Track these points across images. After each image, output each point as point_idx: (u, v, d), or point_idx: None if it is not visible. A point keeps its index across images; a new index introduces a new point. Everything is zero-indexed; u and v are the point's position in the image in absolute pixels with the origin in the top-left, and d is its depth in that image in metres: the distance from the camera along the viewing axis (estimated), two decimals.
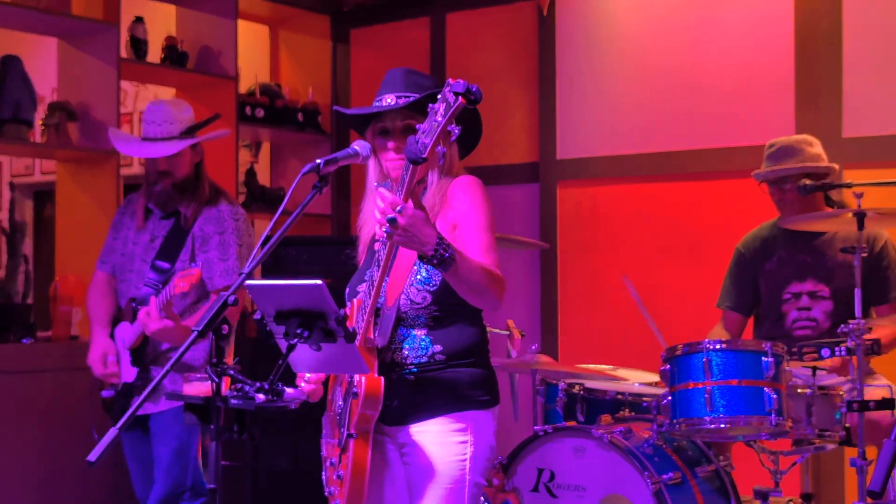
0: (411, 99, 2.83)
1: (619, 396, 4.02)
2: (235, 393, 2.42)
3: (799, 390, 3.68)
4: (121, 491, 4.92)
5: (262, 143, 6.50)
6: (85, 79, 5.29)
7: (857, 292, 3.74)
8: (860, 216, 3.75)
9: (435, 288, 2.76)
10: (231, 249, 3.95)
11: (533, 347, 4.17)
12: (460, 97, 2.41)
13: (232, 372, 2.41)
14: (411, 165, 2.50)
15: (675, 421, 3.64)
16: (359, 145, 2.83)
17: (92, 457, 2.22)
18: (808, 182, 4.09)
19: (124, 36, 5.43)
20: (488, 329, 4.20)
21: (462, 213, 2.81)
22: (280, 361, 2.49)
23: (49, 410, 4.74)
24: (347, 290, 2.96)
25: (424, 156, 2.44)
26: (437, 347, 2.80)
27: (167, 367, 2.36)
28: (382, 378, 2.74)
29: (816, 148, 4.26)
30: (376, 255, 2.77)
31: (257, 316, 2.51)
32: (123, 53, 5.40)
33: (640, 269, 5.30)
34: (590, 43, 5.49)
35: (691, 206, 5.20)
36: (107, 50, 5.25)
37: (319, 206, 6.09)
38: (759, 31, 5.02)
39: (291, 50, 6.47)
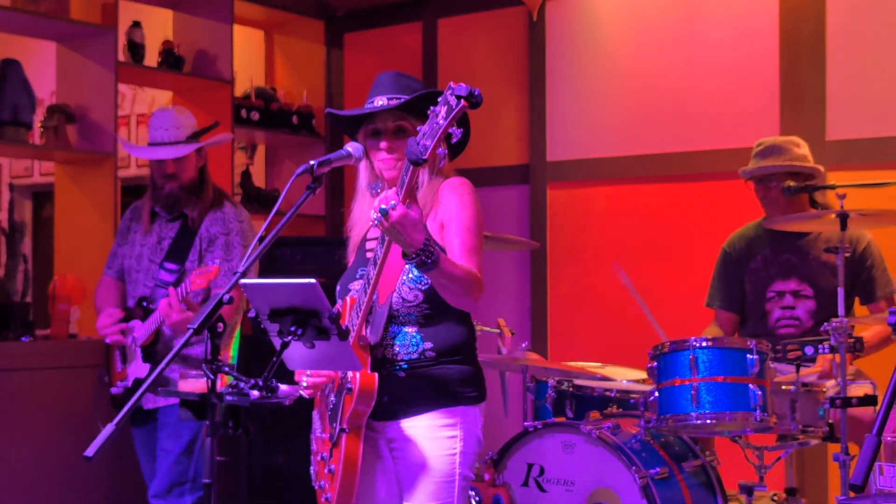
0: (402, 100, 2.83)
1: (608, 393, 4.03)
2: (231, 389, 2.42)
3: (783, 387, 3.69)
4: (120, 487, 4.92)
5: (258, 145, 6.50)
6: (83, 82, 5.28)
7: (840, 291, 3.75)
8: (843, 217, 3.75)
9: (427, 287, 2.77)
10: (235, 250, 4.00)
11: (523, 345, 4.18)
12: (463, 100, 2.41)
13: (227, 369, 2.40)
14: (411, 166, 2.51)
15: (662, 417, 3.65)
16: (352, 147, 2.83)
17: (89, 452, 2.21)
18: (792, 183, 4.11)
19: (122, 40, 5.42)
20: (480, 327, 4.24)
21: (450, 213, 2.81)
22: (274, 359, 2.49)
23: (48, 407, 4.73)
24: (339, 287, 2.97)
25: (425, 157, 2.45)
26: (428, 345, 2.81)
27: (162, 364, 2.36)
28: (376, 374, 2.75)
29: (803, 149, 4.28)
30: (373, 254, 2.76)
31: (252, 314, 2.51)
32: (121, 57, 5.39)
33: (628, 268, 5.26)
34: (578, 47, 5.49)
35: (678, 206, 5.21)
36: (105, 54, 5.24)
37: (313, 207, 6.09)
38: (744, 36, 5.02)
39: (286, 54, 6.46)
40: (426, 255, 2.55)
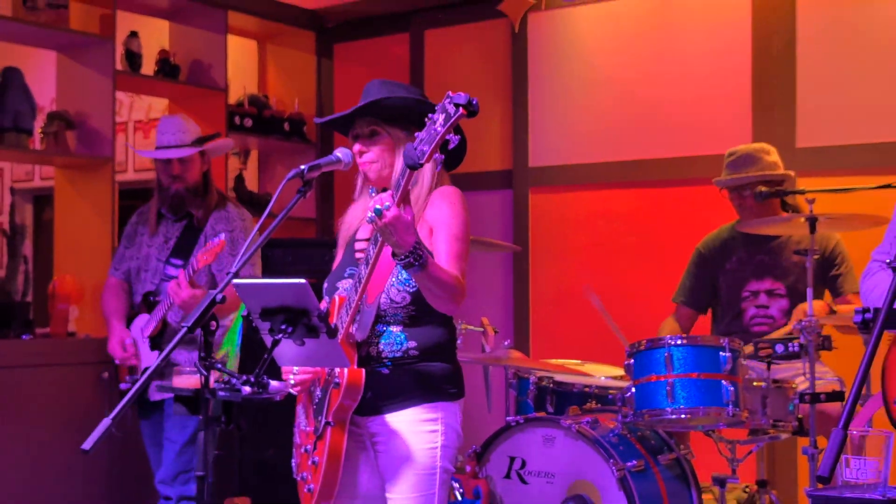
0: (368, 100, 2.84)
1: (587, 389, 4.03)
2: (223, 385, 2.41)
3: (755, 383, 3.69)
4: (119, 478, 4.91)
5: (251, 150, 6.49)
6: (82, 90, 5.27)
7: (809, 292, 3.77)
8: (812, 221, 3.78)
9: (414, 289, 2.76)
10: (240, 246, 4.08)
11: (506, 343, 4.17)
12: (461, 108, 2.41)
13: (219, 365, 2.40)
14: (408, 170, 2.51)
15: (638, 412, 3.65)
16: (341, 152, 2.83)
17: (86, 445, 2.20)
18: (764, 189, 4.13)
19: (120, 49, 5.42)
20: (464, 326, 4.25)
21: (440, 220, 2.81)
22: (265, 356, 2.49)
23: (47, 402, 4.71)
24: (326, 284, 2.96)
25: (422, 162, 2.44)
26: (412, 343, 2.81)
27: (158, 360, 2.35)
28: (363, 370, 2.75)
29: (773, 156, 4.29)
30: (364, 254, 2.76)
31: (245, 312, 2.51)
32: (119, 66, 5.38)
33: (606, 269, 5.31)
34: (559, 58, 5.50)
35: (654, 211, 5.22)
36: (103, 63, 5.23)
37: (304, 210, 6.09)
38: (718, 48, 5.03)
39: (278, 63, 6.45)
40: (415, 257, 2.55)
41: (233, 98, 5.97)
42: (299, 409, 2.95)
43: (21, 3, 5.25)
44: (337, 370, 2.72)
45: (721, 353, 3.57)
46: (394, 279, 2.79)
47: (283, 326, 2.46)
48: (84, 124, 5.25)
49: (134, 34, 5.58)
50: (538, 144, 5.57)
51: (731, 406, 3.54)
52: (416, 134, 2.50)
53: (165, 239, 4.23)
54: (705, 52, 5.07)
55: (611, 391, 3.96)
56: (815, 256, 3.80)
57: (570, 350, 4.84)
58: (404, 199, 2.56)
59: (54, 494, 4.70)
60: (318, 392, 2.82)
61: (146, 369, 3.98)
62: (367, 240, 2.80)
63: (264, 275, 4.30)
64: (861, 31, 4.66)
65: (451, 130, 2.44)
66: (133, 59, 5.55)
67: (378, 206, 2.49)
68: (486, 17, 5.64)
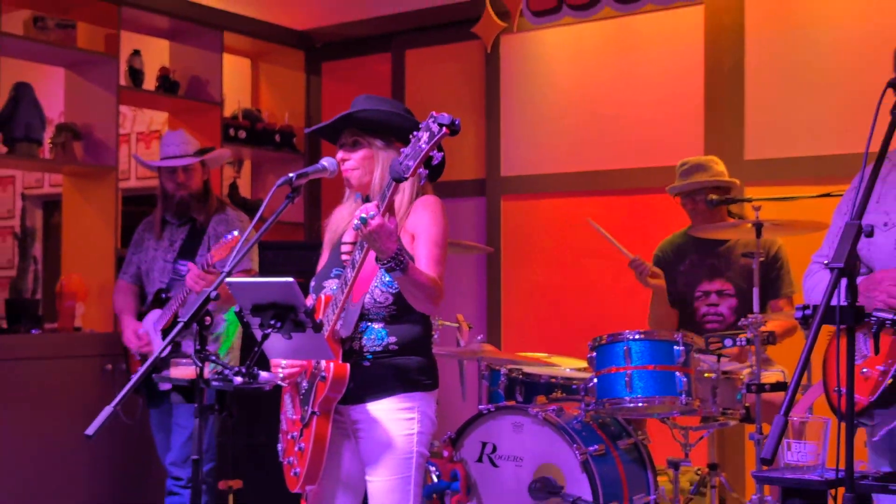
0: (347, 113, 2.85)
1: (553, 380, 4.04)
2: (217, 376, 2.40)
3: (706, 374, 3.71)
4: (123, 465, 4.88)
5: (244, 160, 6.46)
6: (88, 103, 5.23)
7: (756, 291, 3.79)
8: (758, 226, 3.80)
9: (396, 290, 2.77)
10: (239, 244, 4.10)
11: (479, 338, 4.18)
12: (445, 127, 2.42)
13: (213, 358, 2.39)
14: (394, 182, 2.52)
15: (600, 401, 3.66)
16: (326, 161, 2.83)
17: (90, 431, 2.19)
18: (714, 196, 4.16)
19: (123, 66, 5.38)
20: (441, 322, 4.25)
21: (421, 227, 2.82)
22: (256, 349, 2.48)
23: (54, 392, 4.68)
24: (313, 283, 2.96)
25: (407, 176, 2.47)
26: (392, 339, 2.81)
27: (157, 352, 2.35)
28: (348, 364, 2.74)
29: (721, 166, 4.33)
30: (350, 257, 2.76)
31: (237, 309, 2.50)
32: (122, 82, 5.34)
33: (571, 270, 5.32)
34: (529, 76, 5.50)
35: (616, 217, 5.22)
36: (108, 78, 5.20)
37: (293, 215, 6.07)
38: (673, 69, 5.05)
39: (270, 80, 6.43)
40: (396, 262, 2.56)
41: (228, 112, 5.94)
42: (286, 399, 2.95)
43: (32, 24, 5.23)
44: (323, 364, 2.72)
45: (675, 346, 3.59)
46: (377, 281, 2.79)
47: (273, 321, 2.45)
48: (90, 135, 5.21)
49: (137, 52, 5.54)
50: (509, 156, 5.58)
51: (684, 395, 3.55)
52: (401, 150, 2.51)
53: (171, 242, 4.29)
54: (662, 72, 5.08)
55: (575, 382, 3.97)
56: (761, 259, 3.83)
57: (539, 344, 4.84)
58: (389, 209, 2.57)
59: (61, 477, 4.68)
60: (305, 384, 2.81)
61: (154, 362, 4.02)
62: (353, 243, 2.81)
63: (256, 274, 4.30)
64: (804, 55, 4.68)
65: (435, 148, 2.45)
66: (136, 75, 5.51)
67: (363, 216, 2.50)
68: (462, 38, 5.63)
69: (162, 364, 3.74)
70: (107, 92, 5.19)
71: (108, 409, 2.21)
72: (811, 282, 2.58)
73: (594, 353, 3.70)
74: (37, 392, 4.64)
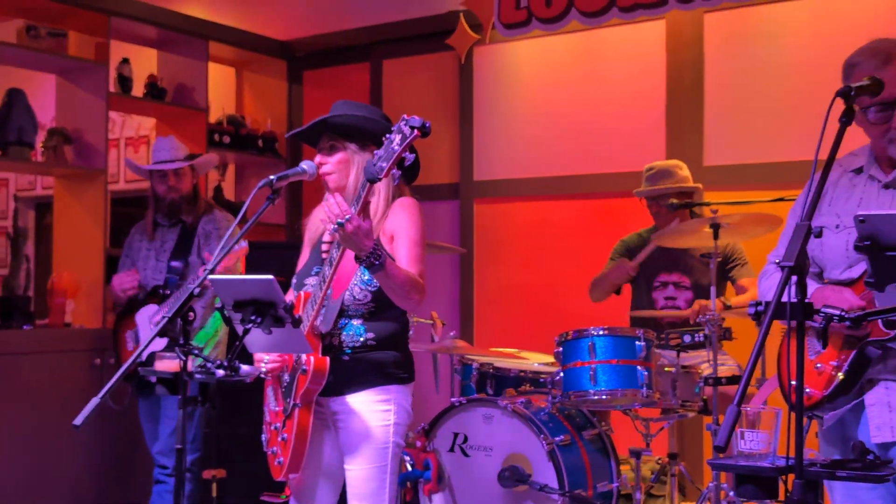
0: (325, 117, 2.84)
1: (522, 374, 4.03)
2: (199, 369, 2.39)
3: (666, 368, 3.72)
4: (112, 454, 4.85)
5: (228, 164, 6.43)
6: (79, 109, 5.20)
7: (713, 290, 3.81)
8: (716, 227, 3.83)
9: (375, 288, 2.76)
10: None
11: (452, 334, 4.17)
12: (416, 130, 2.42)
13: (196, 351, 2.37)
14: (368, 183, 2.51)
15: (566, 393, 3.66)
16: (306, 164, 2.82)
17: (77, 421, 2.17)
18: (675, 201, 4.18)
19: (112, 74, 5.35)
20: (415, 319, 4.24)
21: (399, 228, 2.81)
22: (237, 343, 2.47)
23: (45, 385, 4.65)
24: (294, 280, 2.95)
25: (381, 177, 2.46)
26: (370, 335, 2.80)
27: (143, 345, 2.33)
28: (328, 358, 2.73)
29: (685, 171, 4.35)
30: (328, 256, 2.75)
31: (218, 304, 2.48)
32: (112, 88, 5.31)
33: (540, 270, 5.33)
34: (501, 86, 5.51)
35: (582, 219, 5.25)
36: (98, 85, 5.17)
37: (275, 216, 6.05)
38: (637, 79, 5.07)
39: (254, 88, 6.41)
40: (374, 258, 2.56)
41: (213, 118, 5.92)
42: (269, 391, 2.93)
43: (25, 32, 5.19)
44: (304, 358, 2.71)
45: (637, 342, 3.60)
46: (357, 279, 2.78)
47: (253, 317, 2.44)
48: (80, 140, 5.18)
49: (126, 61, 5.51)
50: (482, 161, 5.58)
51: (645, 388, 3.56)
52: (374, 152, 2.50)
53: (162, 242, 4.30)
54: (626, 82, 5.10)
55: (542, 375, 3.97)
56: (718, 259, 3.85)
57: (509, 340, 4.84)
58: (364, 210, 2.56)
59: (52, 467, 4.64)
60: (287, 377, 2.80)
61: (151, 354, 3.98)
62: (332, 242, 2.79)
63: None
64: (759, 68, 4.71)
65: (407, 149, 2.45)
66: (125, 82, 5.48)
67: (340, 220, 2.49)
68: (437, 49, 5.64)
69: (152, 356, 3.74)
70: (97, 98, 5.16)
71: (95, 400, 2.20)
72: (768, 283, 2.59)
73: (560, 349, 3.71)
74: (28, 385, 4.60)
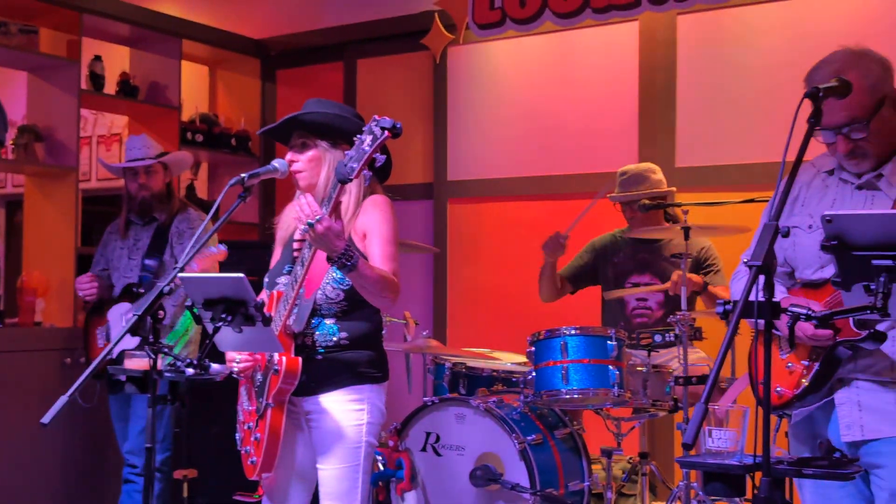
0: (294, 115, 2.84)
1: (494, 373, 4.04)
2: (169, 367, 2.38)
3: (637, 368, 3.74)
4: (81, 453, 4.81)
5: (201, 163, 6.40)
6: (50, 107, 5.16)
7: (683, 290, 3.83)
8: (686, 229, 3.85)
9: (348, 287, 2.75)
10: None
11: (425, 333, 4.17)
12: (387, 131, 2.42)
13: (166, 350, 2.36)
14: (339, 184, 2.51)
15: (538, 392, 3.67)
16: (277, 162, 2.82)
17: (45, 419, 2.15)
18: (647, 202, 4.20)
19: (84, 71, 5.31)
20: (388, 318, 4.24)
21: (372, 226, 2.81)
22: (207, 341, 2.46)
23: (15, 384, 4.61)
24: (266, 279, 2.94)
25: (352, 177, 2.47)
26: (343, 334, 2.80)
27: (111, 345, 2.31)
28: (300, 358, 2.73)
29: (658, 175, 4.37)
30: (300, 255, 2.74)
31: (188, 303, 2.47)
32: (84, 86, 5.27)
33: (513, 270, 5.34)
34: (475, 86, 5.52)
35: (555, 219, 5.23)
36: (69, 83, 5.13)
37: (247, 215, 6.02)
38: (610, 81, 5.09)
39: (227, 86, 6.38)
40: (346, 259, 2.55)
41: (186, 116, 5.89)
42: (242, 391, 2.92)
43: None
44: (276, 357, 2.70)
45: (608, 341, 3.61)
46: (329, 278, 2.78)
47: (223, 315, 2.43)
48: (52, 137, 5.14)
49: (98, 58, 5.47)
50: (456, 161, 5.58)
51: (616, 388, 3.58)
52: (346, 152, 2.50)
53: (135, 241, 4.29)
54: (599, 85, 5.12)
55: (515, 375, 3.98)
56: (689, 259, 3.88)
57: (482, 340, 4.85)
58: (335, 210, 2.56)
59: (21, 466, 4.60)
60: (259, 376, 2.79)
61: (122, 352, 3.95)
62: (303, 240, 2.79)
63: None
64: (731, 71, 4.74)
65: (378, 150, 2.45)
66: (97, 80, 5.45)
67: (310, 221, 2.49)
68: (412, 49, 5.63)
69: (122, 354, 3.72)
70: (68, 95, 5.12)
71: (63, 399, 2.18)
72: (739, 284, 2.61)
73: (533, 348, 3.72)
74: None
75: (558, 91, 5.25)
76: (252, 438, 2.79)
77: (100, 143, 6.75)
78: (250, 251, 4.97)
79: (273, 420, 2.73)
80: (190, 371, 2.37)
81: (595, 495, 3.87)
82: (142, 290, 4.15)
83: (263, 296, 2.84)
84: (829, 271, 2.37)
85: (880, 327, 2.24)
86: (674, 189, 4.40)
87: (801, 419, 2.45)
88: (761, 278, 1.86)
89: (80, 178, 5.17)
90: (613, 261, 4.41)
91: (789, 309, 2.01)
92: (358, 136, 2.47)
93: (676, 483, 3.86)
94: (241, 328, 2.46)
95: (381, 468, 3.81)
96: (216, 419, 4.52)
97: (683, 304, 3.79)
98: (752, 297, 1.85)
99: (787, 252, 2.49)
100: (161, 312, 2.36)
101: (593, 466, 3.90)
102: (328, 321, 2.79)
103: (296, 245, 2.89)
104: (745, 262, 1.91)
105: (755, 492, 1.87)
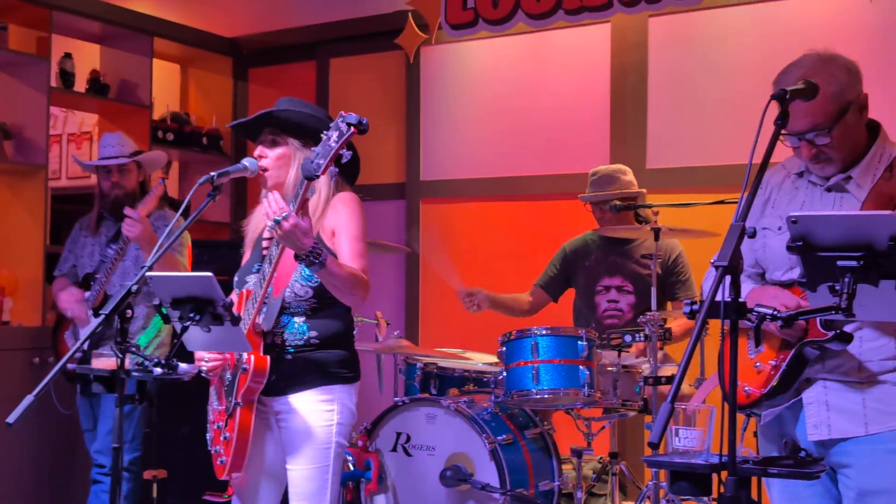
0: (266, 111, 2.83)
1: (465, 373, 4.04)
2: (137, 367, 2.36)
3: (607, 368, 3.75)
4: (49, 453, 4.77)
5: (172, 162, 6.36)
6: (20, 104, 5.11)
7: (653, 291, 3.85)
8: (656, 231, 3.87)
9: (316, 284, 2.75)
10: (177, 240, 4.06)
11: (396, 333, 4.17)
12: (353, 127, 2.42)
13: (134, 349, 2.35)
14: (305, 181, 2.50)
15: (508, 392, 3.68)
16: (248, 161, 2.81)
17: (10, 419, 2.13)
18: (618, 203, 4.22)
19: (54, 68, 5.27)
20: (360, 318, 4.23)
21: (340, 223, 2.80)
22: (175, 340, 2.44)
23: None
24: (236, 278, 2.93)
25: (318, 174, 2.45)
26: (313, 333, 2.79)
27: (78, 343, 2.29)
28: (269, 357, 2.72)
29: (629, 176, 4.38)
30: (268, 253, 2.74)
31: (156, 302, 2.46)
32: (53, 83, 5.23)
33: (486, 270, 5.34)
34: (448, 86, 5.52)
35: (527, 220, 5.27)
36: (39, 80, 5.08)
37: (219, 214, 6.00)
38: (582, 83, 5.11)
39: (199, 85, 6.35)
40: (314, 257, 2.54)
41: (157, 114, 5.85)
42: (212, 390, 2.91)
43: None
44: (245, 356, 2.69)
45: (579, 342, 3.62)
46: (297, 275, 2.77)
47: (191, 314, 2.42)
48: (20, 135, 5.09)
49: (68, 55, 5.43)
50: (428, 161, 5.59)
51: (587, 388, 3.59)
52: (312, 149, 2.49)
53: (107, 237, 4.23)
54: (571, 86, 5.14)
55: (486, 375, 3.98)
56: (659, 260, 3.90)
57: (453, 340, 4.85)
58: (303, 208, 2.55)
59: None
60: (229, 375, 2.78)
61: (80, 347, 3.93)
62: (272, 239, 2.78)
63: None
64: (701, 73, 4.77)
65: (345, 146, 2.44)
66: (67, 77, 5.40)
67: (277, 218, 2.48)
68: (384, 49, 5.63)
69: (89, 354, 3.68)
70: (37, 93, 5.08)
71: (29, 398, 2.16)
72: (708, 283, 2.63)
73: (504, 348, 3.72)
74: None
75: (530, 92, 5.26)
76: (222, 438, 2.78)
77: (70, 141, 6.70)
78: (221, 250, 4.97)
79: (242, 419, 2.72)
80: (158, 370, 2.35)
81: (565, 495, 3.88)
82: (98, 276, 4.10)
83: (233, 296, 2.83)
84: (798, 272, 2.39)
85: (848, 328, 2.26)
86: (644, 190, 4.42)
87: (770, 419, 2.47)
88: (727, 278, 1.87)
89: (50, 176, 5.14)
90: (585, 264, 4.43)
91: (755, 309, 2.03)
92: (324, 132, 2.47)
93: (646, 483, 3.88)
94: (210, 328, 2.45)
95: (351, 468, 3.80)
96: (186, 419, 4.50)
97: (653, 304, 3.80)
98: (718, 298, 1.86)
99: (758, 253, 2.51)
100: (129, 311, 2.34)
101: (563, 466, 3.91)
102: (298, 319, 2.78)
103: (264, 243, 2.89)
104: (712, 263, 1.92)
105: (721, 491, 1.89)
